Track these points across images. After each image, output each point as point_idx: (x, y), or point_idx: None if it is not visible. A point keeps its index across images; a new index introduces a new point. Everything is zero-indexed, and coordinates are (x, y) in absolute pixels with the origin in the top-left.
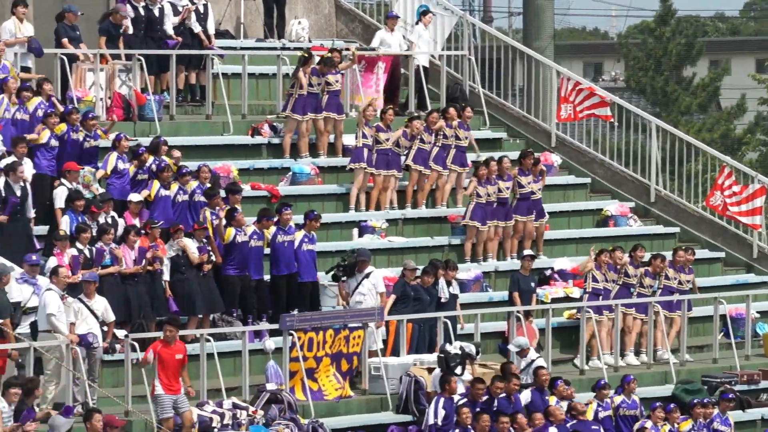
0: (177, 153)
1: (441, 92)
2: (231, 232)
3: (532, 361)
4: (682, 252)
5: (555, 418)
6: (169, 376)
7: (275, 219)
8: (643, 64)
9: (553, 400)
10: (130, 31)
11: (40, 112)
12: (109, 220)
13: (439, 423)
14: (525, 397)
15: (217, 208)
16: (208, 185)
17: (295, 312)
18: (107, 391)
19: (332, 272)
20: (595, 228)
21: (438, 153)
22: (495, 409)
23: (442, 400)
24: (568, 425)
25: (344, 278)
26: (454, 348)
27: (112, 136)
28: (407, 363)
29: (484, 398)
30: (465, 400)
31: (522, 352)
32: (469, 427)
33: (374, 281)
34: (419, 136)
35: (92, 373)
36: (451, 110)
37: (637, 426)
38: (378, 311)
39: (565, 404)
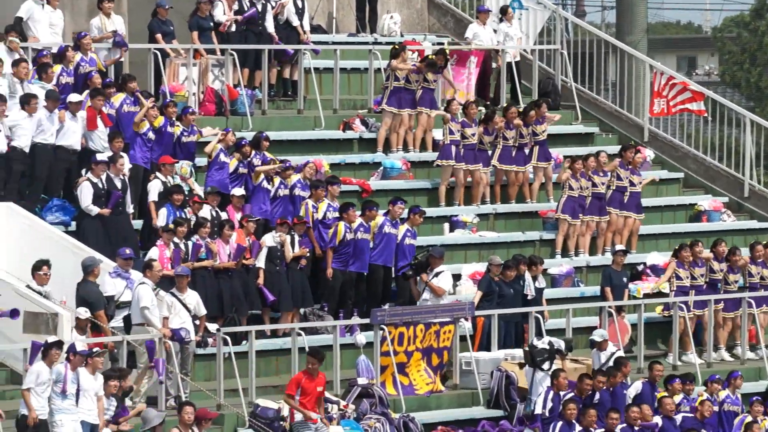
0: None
1: (533, 87)
2: (341, 227)
3: (612, 354)
4: (760, 246)
5: (665, 412)
6: (310, 405)
7: (385, 210)
8: (738, 58)
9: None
10: (224, 19)
11: (125, 108)
12: (214, 213)
13: (546, 414)
14: (636, 388)
15: (318, 201)
16: (309, 179)
17: (386, 306)
18: (199, 384)
19: (403, 270)
20: (688, 223)
21: (519, 152)
22: (596, 402)
23: (551, 393)
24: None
25: (410, 273)
26: (542, 343)
27: (207, 130)
28: (498, 358)
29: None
30: (572, 394)
31: (600, 345)
32: (574, 421)
33: (444, 280)
34: (502, 133)
35: (185, 366)
36: (531, 110)
37: (737, 420)
38: (468, 306)
39: (678, 398)
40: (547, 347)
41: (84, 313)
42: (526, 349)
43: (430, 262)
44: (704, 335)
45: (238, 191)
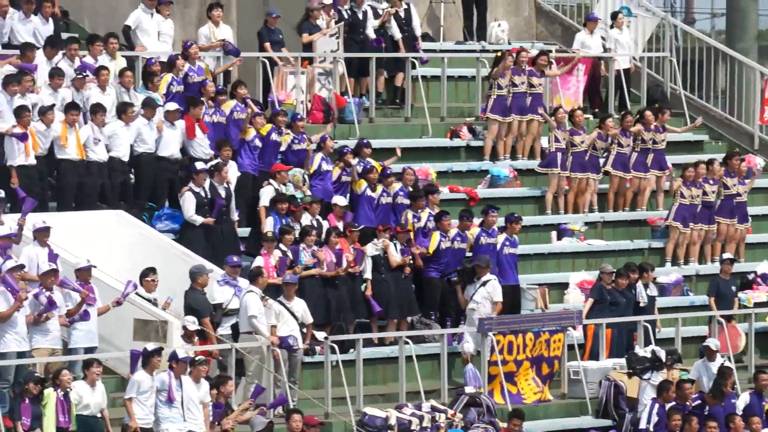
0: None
1: (641, 94)
2: (436, 236)
3: (722, 364)
4: None
5: None
6: None
7: (480, 221)
8: None
9: None
10: (333, 29)
11: (236, 115)
12: (314, 222)
13: (651, 429)
14: (743, 400)
15: (419, 210)
16: (411, 188)
17: (494, 315)
18: (307, 392)
19: (448, 276)
20: None
21: (637, 158)
22: (706, 414)
23: (656, 406)
24: None
25: (455, 279)
26: (644, 351)
27: (316, 137)
28: (606, 367)
29: (696, 402)
30: (674, 403)
31: (712, 355)
32: None
33: (490, 289)
34: (617, 140)
35: (293, 374)
36: (648, 113)
37: None
38: (577, 315)
39: None
40: (649, 356)
41: (192, 324)
42: (627, 357)
43: (477, 271)
44: None
45: (341, 200)
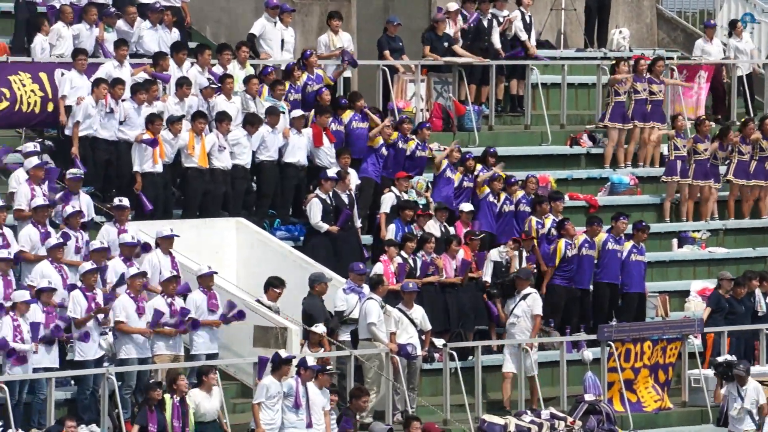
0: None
1: (765, 101)
2: (561, 244)
3: None
4: None
5: None
6: None
7: (609, 227)
8: None
9: None
10: (459, 41)
11: (354, 125)
12: (443, 229)
13: None
14: None
15: (543, 216)
16: (534, 194)
17: (614, 322)
18: (426, 399)
19: (488, 290)
20: None
21: (757, 166)
22: None
23: None
24: None
25: (494, 292)
26: (720, 359)
27: (435, 146)
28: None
29: None
30: None
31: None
32: None
33: (530, 303)
34: (737, 148)
35: (411, 381)
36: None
37: None
38: (698, 322)
39: None
40: (722, 362)
41: (316, 328)
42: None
43: (517, 284)
44: None
45: (467, 206)
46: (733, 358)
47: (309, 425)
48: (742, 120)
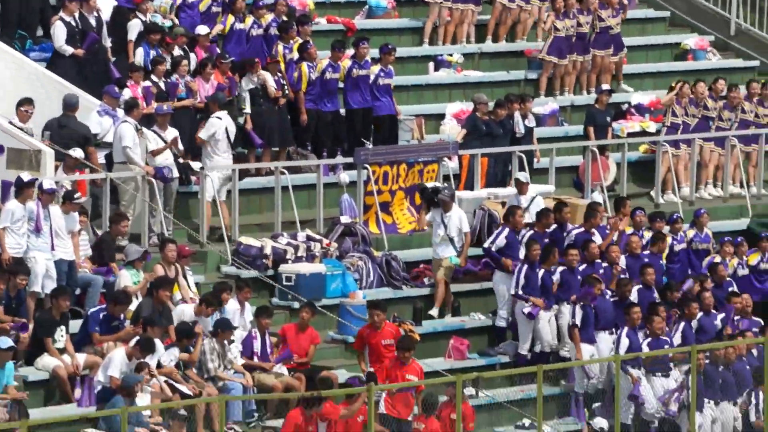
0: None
1: None
2: (304, 68)
3: (533, 198)
4: (755, 84)
5: (631, 251)
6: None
7: (352, 52)
8: None
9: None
10: None
11: None
12: (182, 53)
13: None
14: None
15: (291, 41)
16: (284, 18)
17: (370, 146)
18: (182, 222)
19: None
20: (673, 62)
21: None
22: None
23: (506, 230)
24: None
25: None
26: (430, 184)
27: None
28: (481, 197)
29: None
30: (531, 232)
31: (521, 189)
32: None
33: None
34: None
35: (168, 204)
36: None
37: (706, 261)
38: (452, 145)
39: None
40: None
41: (74, 152)
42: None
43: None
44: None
45: (203, 29)
46: (440, 184)
47: (53, 248)
48: None
